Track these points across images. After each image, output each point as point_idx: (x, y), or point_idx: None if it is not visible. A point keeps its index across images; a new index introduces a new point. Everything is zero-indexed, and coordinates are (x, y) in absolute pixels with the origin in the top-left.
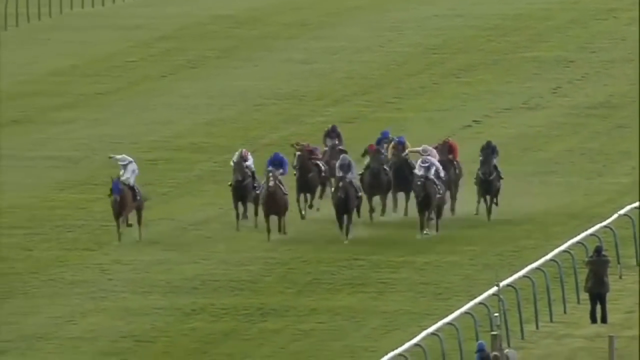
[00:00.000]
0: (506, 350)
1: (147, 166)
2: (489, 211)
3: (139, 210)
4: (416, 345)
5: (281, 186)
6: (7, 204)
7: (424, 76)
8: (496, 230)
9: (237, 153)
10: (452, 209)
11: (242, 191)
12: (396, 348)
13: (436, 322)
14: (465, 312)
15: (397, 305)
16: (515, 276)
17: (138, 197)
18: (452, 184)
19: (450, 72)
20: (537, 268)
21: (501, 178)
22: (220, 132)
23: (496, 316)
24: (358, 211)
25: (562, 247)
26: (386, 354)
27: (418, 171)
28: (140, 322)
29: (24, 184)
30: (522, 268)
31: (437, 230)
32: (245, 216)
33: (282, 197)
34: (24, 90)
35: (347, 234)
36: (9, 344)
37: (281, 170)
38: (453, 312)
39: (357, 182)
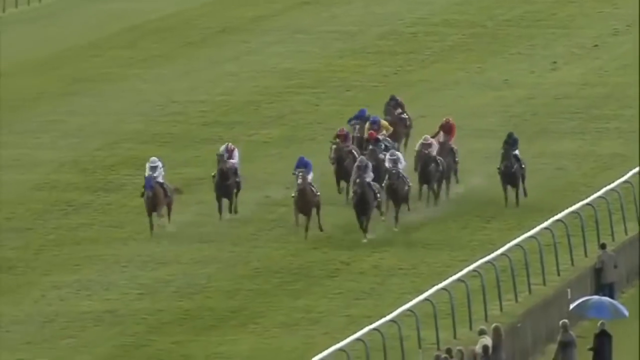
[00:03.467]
0: None
1: (409, 38)
2: (517, 200)
3: (169, 205)
4: (625, 182)
5: (312, 187)
6: (299, 69)
7: None
8: None
9: (223, 146)
10: (447, 193)
11: (226, 190)
12: (609, 184)
13: None
14: None
15: (611, 149)
16: None
17: (168, 194)
18: (450, 170)
19: None
20: None
21: (522, 167)
22: (468, 10)
23: None
24: (379, 209)
25: None
26: (599, 189)
27: (387, 164)
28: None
29: (312, 53)
30: None
31: (397, 223)
32: (230, 210)
33: (312, 196)
34: None
35: (365, 233)
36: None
37: (307, 170)
38: None
39: (375, 183)
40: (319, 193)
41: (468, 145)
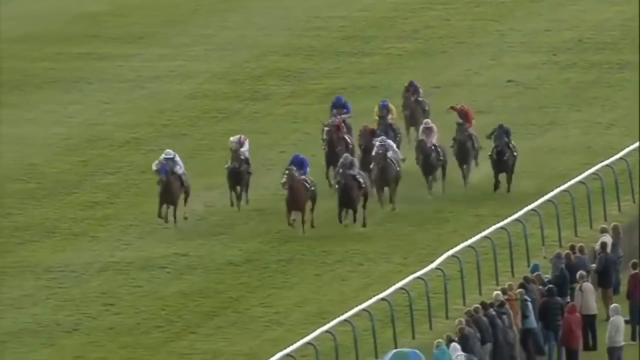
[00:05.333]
0: None
1: None
2: (508, 186)
3: (186, 194)
4: None
5: (306, 183)
6: None
7: None
8: None
9: (235, 138)
10: (465, 179)
11: (237, 176)
12: None
13: None
14: None
15: None
16: None
17: (185, 184)
18: (469, 156)
19: None
20: None
21: (514, 156)
22: None
23: None
24: (365, 202)
25: None
26: None
27: (377, 150)
28: (527, 74)
29: None
30: None
31: (393, 205)
32: (239, 197)
33: (304, 191)
34: None
35: (363, 223)
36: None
37: (302, 171)
38: None
39: (360, 175)
40: (313, 188)
41: (589, 58)
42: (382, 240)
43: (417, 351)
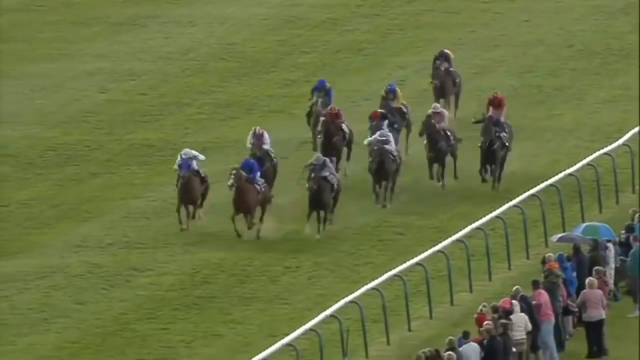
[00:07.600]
0: None
1: None
2: (494, 180)
3: (204, 193)
4: None
5: (256, 185)
6: None
7: None
8: None
9: (250, 132)
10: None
11: (260, 169)
12: None
13: None
14: None
15: None
16: None
17: (206, 180)
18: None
19: None
20: None
21: (505, 146)
22: None
23: None
24: (334, 205)
25: None
26: None
27: (375, 145)
28: None
29: None
30: None
31: (390, 201)
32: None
33: (251, 194)
34: None
35: (323, 227)
36: None
37: (251, 176)
38: None
39: (333, 176)
40: (260, 192)
41: None
42: (569, 118)
43: (606, 225)
